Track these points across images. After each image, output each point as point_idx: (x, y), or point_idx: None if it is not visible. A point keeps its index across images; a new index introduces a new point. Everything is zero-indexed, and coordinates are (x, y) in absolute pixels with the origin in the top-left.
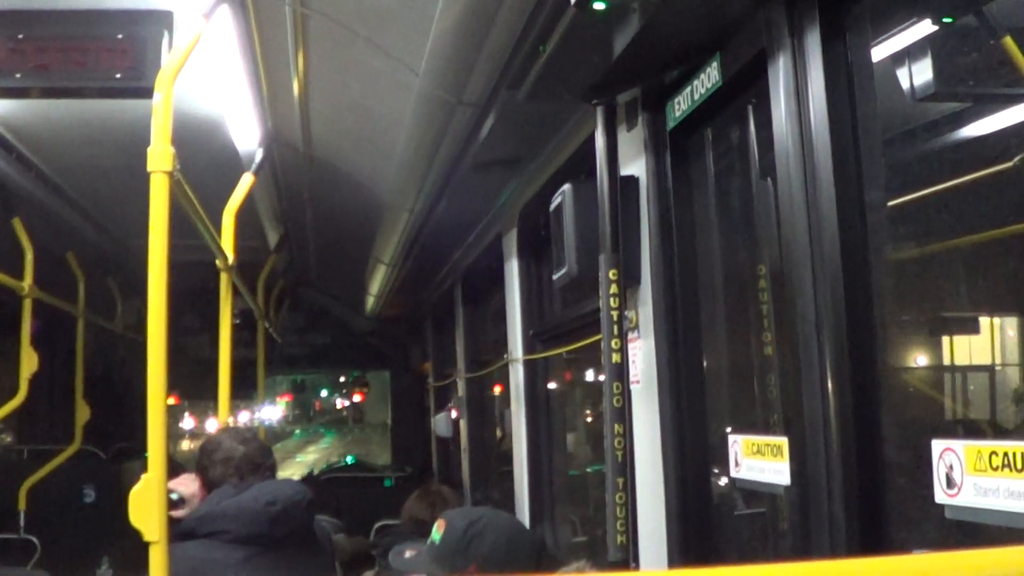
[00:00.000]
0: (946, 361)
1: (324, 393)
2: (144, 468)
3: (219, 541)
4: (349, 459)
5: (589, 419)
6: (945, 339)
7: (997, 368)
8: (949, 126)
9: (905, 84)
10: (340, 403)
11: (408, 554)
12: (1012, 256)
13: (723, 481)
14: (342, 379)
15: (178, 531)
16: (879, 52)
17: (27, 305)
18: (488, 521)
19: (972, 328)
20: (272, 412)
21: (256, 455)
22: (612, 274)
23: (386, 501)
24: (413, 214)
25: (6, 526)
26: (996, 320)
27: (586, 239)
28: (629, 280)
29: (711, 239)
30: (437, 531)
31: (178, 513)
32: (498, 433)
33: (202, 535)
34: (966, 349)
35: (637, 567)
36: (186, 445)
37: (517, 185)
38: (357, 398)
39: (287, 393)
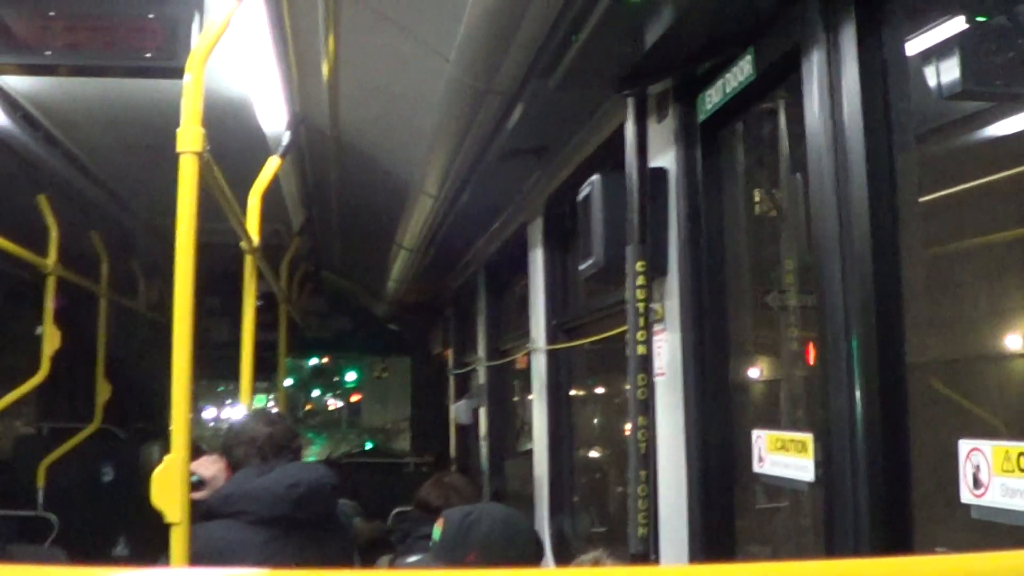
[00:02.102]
0: (977, 359)
1: (316, 392)
2: (164, 449)
3: (241, 522)
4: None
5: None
6: (976, 337)
7: None
8: (982, 122)
9: (932, 82)
10: (333, 403)
11: (411, 559)
12: None
13: (746, 476)
14: (335, 379)
15: (201, 511)
16: (909, 49)
17: (50, 283)
18: (483, 511)
19: (1004, 326)
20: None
21: (281, 437)
22: (639, 265)
23: (405, 487)
24: (438, 200)
25: (25, 503)
26: None
27: (614, 230)
28: (656, 272)
29: (740, 233)
30: (437, 528)
31: (198, 495)
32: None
33: (225, 515)
34: (998, 346)
35: (657, 559)
36: None
37: (544, 174)
38: (354, 398)
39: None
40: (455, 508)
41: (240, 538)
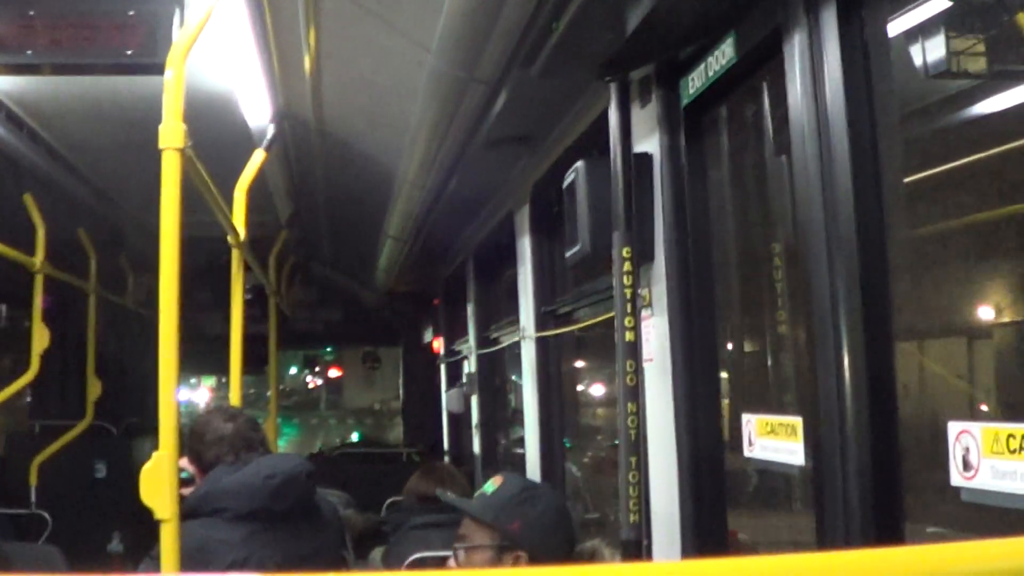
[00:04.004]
0: (963, 341)
1: (293, 370)
2: (156, 444)
3: (221, 519)
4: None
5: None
6: (962, 318)
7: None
8: (966, 102)
9: (918, 61)
10: (312, 381)
11: (451, 495)
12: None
13: (737, 460)
14: (316, 358)
15: (181, 511)
16: (893, 28)
17: (38, 281)
18: (544, 492)
19: (990, 307)
20: (198, 394)
21: (246, 430)
22: (625, 252)
23: (397, 478)
24: (424, 190)
25: (17, 501)
26: (1016, 298)
27: (599, 216)
28: (642, 258)
29: (725, 217)
30: (492, 484)
31: (188, 490)
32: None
33: (205, 514)
34: (984, 328)
35: (649, 545)
36: None
37: (529, 162)
38: (334, 373)
39: None
40: (517, 475)
41: (222, 536)
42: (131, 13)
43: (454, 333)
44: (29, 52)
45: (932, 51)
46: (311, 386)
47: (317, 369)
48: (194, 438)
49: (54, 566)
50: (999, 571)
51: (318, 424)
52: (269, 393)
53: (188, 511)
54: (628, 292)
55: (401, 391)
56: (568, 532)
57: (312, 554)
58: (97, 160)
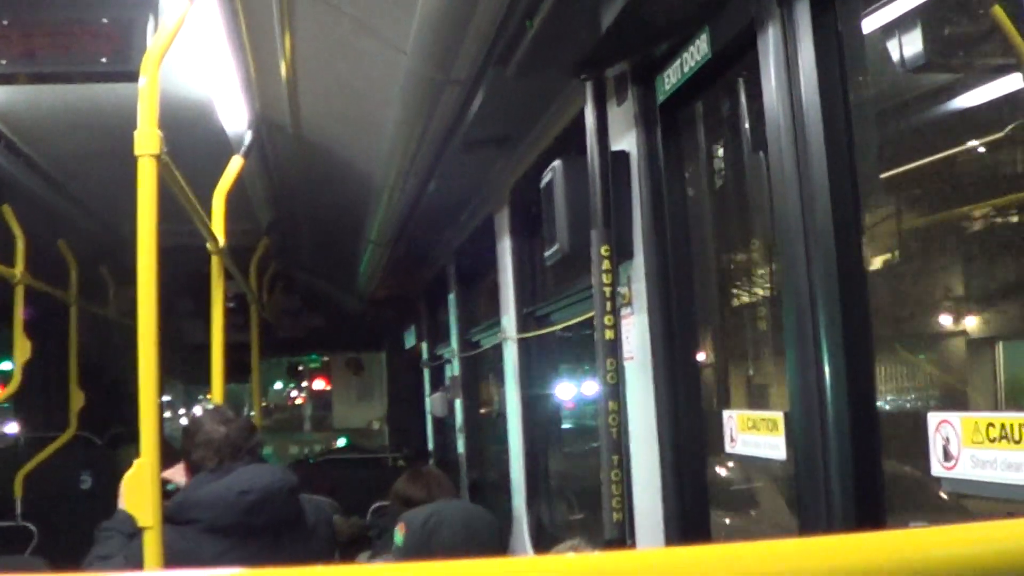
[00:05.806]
0: (941, 333)
1: (278, 385)
2: (139, 453)
3: (196, 530)
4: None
5: None
6: (939, 311)
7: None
8: (941, 96)
9: (896, 55)
10: (299, 396)
11: (374, 556)
12: (1007, 227)
13: (718, 457)
14: (300, 366)
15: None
16: (869, 23)
17: (19, 292)
18: (442, 516)
19: (966, 299)
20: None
21: (238, 437)
22: (604, 250)
23: (383, 482)
24: (404, 194)
25: (3, 513)
26: (989, 291)
27: (577, 215)
28: (621, 256)
29: (703, 213)
30: (399, 534)
31: None
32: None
33: (180, 523)
34: (961, 320)
35: (633, 544)
36: None
37: (508, 163)
38: (319, 384)
39: None
40: (415, 512)
41: (194, 548)
42: (105, 20)
43: (437, 337)
44: (3, 62)
45: (908, 46)
46: (298, 401)
47: (304, 384)
48: (186, 437)
49: None
50: (979, 555)
51: (304, 447)
52: (250, 405)
53: (166, 517)
54: (607, 290)
55: (385, 396)
56: (485, 530)
57: (294, 565)
58: (76, 170)
